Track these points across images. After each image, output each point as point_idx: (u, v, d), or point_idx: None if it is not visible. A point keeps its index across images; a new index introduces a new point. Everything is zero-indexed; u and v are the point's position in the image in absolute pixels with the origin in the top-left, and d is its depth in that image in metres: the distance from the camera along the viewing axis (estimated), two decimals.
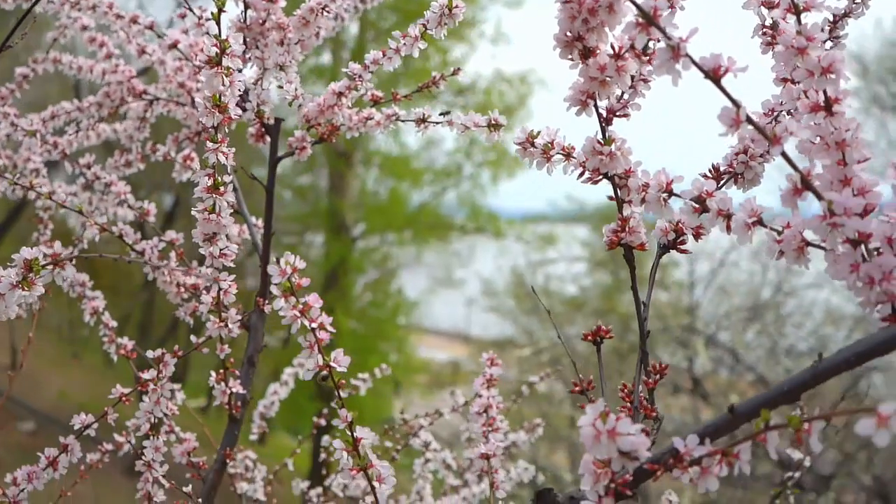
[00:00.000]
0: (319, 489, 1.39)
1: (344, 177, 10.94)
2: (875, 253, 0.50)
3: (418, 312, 11.39)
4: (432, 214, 11.33)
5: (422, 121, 0.91)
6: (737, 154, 0.66)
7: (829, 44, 0.70)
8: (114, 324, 1.07)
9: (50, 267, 0.64)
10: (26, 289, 0.65)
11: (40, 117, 1.17)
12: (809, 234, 0.53)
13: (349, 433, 0.63)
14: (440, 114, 0.92)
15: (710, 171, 0.67)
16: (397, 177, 11.35)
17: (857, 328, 6.78)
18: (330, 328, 0.61)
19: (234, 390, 0.95)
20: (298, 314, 0.60)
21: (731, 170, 0.66)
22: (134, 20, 1.06)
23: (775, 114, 0.67)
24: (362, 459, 0.63)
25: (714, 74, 0.49)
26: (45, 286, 0.67)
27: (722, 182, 0.66)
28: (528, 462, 1.27)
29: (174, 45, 1.02)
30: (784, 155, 0.50)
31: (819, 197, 0.50)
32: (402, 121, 0.93)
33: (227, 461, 0.97)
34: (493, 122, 0.82)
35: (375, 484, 0.62)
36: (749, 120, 0.49)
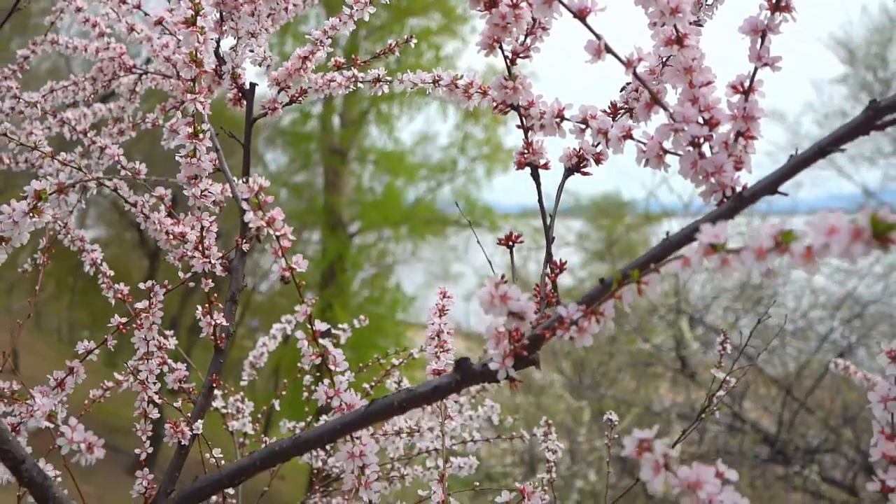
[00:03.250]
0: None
1: (339, 174, 11.06)
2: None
3: (416, 308, 11.49)
4: (428, 210, 11.46)
5: (377, 80, 1.04)
6: (631, 91, 0.79)
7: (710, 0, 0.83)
8: (111, 273, 1.20)
9: (55, 194, 0.77)
10: (36, 215, 0.78)
11: (40, 92, 1.29)
12: (667, 145, 0.67)
13: (309, 326, 0.76)
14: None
15: (608, 106, 0.79)
16: (392, 173, 11.48)
17: (841, 306, 6.95)
18: (291, 237, 0.74)
19: (218, 323, 1.08)
20: (265, 224, 0.73)
21: (626, 105, 0.79)
22: (122, 0, 1.19)
23: (664, 59, 0.80)
24: (321, 347, 0.76)
25: (581, 14, 0.62)
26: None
27: (619, 115, 0.79)
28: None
29: (159, 22, 1.14)
30: (636, 77, 0.63)
31: (665, 109, 0.63)
32: (361, 82, 1.06)
33: (214, 386, 1.10)
34: (436, 78, 0.95)
35: (332, 367, 0.76)
36: (608, 49, 0.62)
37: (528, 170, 0.80)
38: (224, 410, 1.37)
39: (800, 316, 7.34)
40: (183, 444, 1.06)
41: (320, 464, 1.46)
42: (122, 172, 1.20)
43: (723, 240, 0.50)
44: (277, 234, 0.74)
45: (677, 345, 6.21)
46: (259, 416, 1.40)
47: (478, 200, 11.29)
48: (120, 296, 1.16)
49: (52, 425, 0.74)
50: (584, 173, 0.79)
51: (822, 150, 0.57)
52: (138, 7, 1.20)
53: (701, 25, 0.81)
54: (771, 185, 0.59)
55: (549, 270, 0.74)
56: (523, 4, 0.69)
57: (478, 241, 1.07)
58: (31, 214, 0.78)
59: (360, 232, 11.52)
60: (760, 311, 7.05)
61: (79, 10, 1.29)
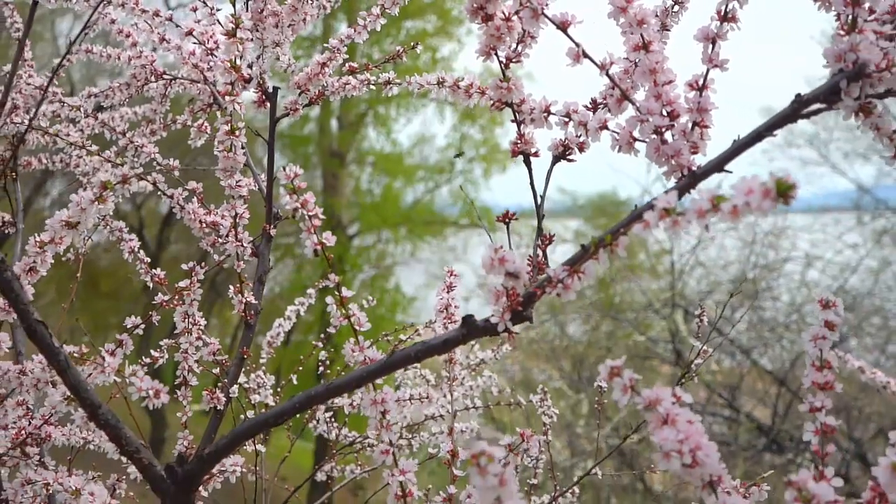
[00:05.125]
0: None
1: (338, 176, 11.20)
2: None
3: (416, 308, 11.60)
4: (426, 211, 11.59)
5: (387, 83, 1.18)
6: (607, 89, 0.92)
7: (676, 7, 0.96)
8: (148, 259, 1.33)
9: (120, 184, 0.90)
10: (101, 203, 0.91)
11: (80, 96, 1.43)
12: (636, 134, 0.80)
13: (338, 294, 0.89)
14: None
15: (590, 101, 0.93)
16: (390, 174, 11.61)
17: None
18: (321, 216, 0.87)
19: (248, 300, 1.21)
20: (300, 206, 0.86)
21: (604, 101, 0.92)
22: (156, 14, 1.32)
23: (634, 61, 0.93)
24: (346, 310, 0.89)
25: (563, 26, 0.75)
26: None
27: (599, 109, 0.92)
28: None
29: (190, 33, 1.28)
30: (609, 77, 0.76)
31: (633, 104, 0.76)
32: (373, 84, 1.20)
33: (245, 358, 1.23)
34: (440, 80, 1.08)
35: (356, 327, 0.89)
36: (585, 55, 0.75)
37: (522, 166, 0.93)
38: (247, 385, 1.50)
39: (794, 310, 7.49)
40: (218, 408, 1.19)
41: (335, 434, 1.59)
42: (158, 168, 1.33)
43: (674, 205, 0.63)
44: (310, 213, 0.87)
45: (673, 338, 6.35)
46: (279, 389, 1.53)
47: (475, 201, 11.42)
48: (157, 280, 1.29)
49: (119, 379, 0.87)
50: (570, 160, 0.92)
51: (760, 134, 0.71)
52: (170, 19, 1.33)
53: (668, 30, 0.94)
54: (718, 165, 0.72)
55: (539, 242, 0.88)
56: (514, 18, 0.82)
57: (484, 228, 1.20)
58: (97, 202, 0.91)
59: (359, 234, 11.65)
60: (755, 304, 7.19)
61: (113, 21, 1.42)
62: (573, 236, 10.48)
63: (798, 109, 0.69)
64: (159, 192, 1.23)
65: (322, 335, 1.65)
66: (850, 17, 0.68)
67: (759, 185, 0.54)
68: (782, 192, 0.53)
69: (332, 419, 1.61)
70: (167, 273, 1.28)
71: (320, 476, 1.63)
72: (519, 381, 7.55)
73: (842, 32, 0.69)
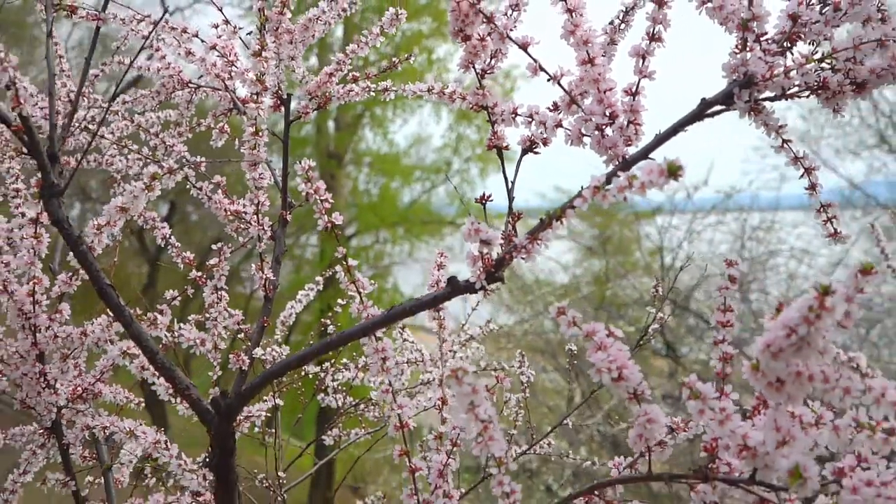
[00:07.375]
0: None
1: (335, 177, 11.39)
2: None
3: None
4: (423, 211, 11.78)
5: (385, 90, 1.38)
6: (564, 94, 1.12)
7: (623, 25, 1.16)
8: (178, 245, 1.53)
9: (167, 175, 1.10)
10: (150, 191, 1.11)
11: (115, 103, 1.63)
12: (584, 130, 1.00)
13: (345, 263, 1.09)
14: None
15: (552, 104, 1.13)
16: (387, 175, 11.80)
17: None
18: (330, 200, 1.07)
19: (268, 277, 1.41)
20: (313, 191, 1.06)
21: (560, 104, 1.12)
22: (184, 30, 1.52)
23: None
24: (352, 276, 1.09)
25: (523, 46, 0.96)
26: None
27: (557, 111, 1.12)
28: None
29: (213, 47, 1.48)
30: (560, 85, 0.96)
31: (578, 106, 0.96)
32: (374, 91, 1.40)
33: (265, 327, 1.43)
34: (430, 87, 1.28)
35: (361, 290, 1.09)
36: (541, 68, 0.95)
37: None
38: (263, 357, 1.70)
39: (783, 302, 7.68)
40: (243, 369, 1.39)
41: (341, 402, 1.79)
42: (186, 164, 1.53)
43: (602, 183, 0.83)
44: (321, 198, 1.07)
45: (662, 329, 6.56)
46: None
47: (472, 200, 11.57)
48: (187, 261, 1.50)
49: (169, 334, 1.07)
50: (535, 153, 1.12)
51: (675, 129, 0.91)
52: (196, 35, 1.53)
53: (616, 44, 1.15)
54: (644, 154, 0.92)
55: (510, 219, 1.08)
56: (488, 38, 1.02)
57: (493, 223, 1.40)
58: (147, 190, 1.11)
59: (356, 234, 11.84)
60: (745, 296, 7.40)
61: (145, 38, 1.61)
62: (568, 233, 10.68)
63: (703, 109, 0.89)
64: (189, 185, 1.43)
65: (329, 314, 1.85)
66: (742, 38, 0.88)
67: (657, 167, 0.74)
68: (672, 171, 0.73)
69: (340, 388, 1.82)
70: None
71: (328, 441, 1.84)
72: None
73: (736, 50, 0.89)
